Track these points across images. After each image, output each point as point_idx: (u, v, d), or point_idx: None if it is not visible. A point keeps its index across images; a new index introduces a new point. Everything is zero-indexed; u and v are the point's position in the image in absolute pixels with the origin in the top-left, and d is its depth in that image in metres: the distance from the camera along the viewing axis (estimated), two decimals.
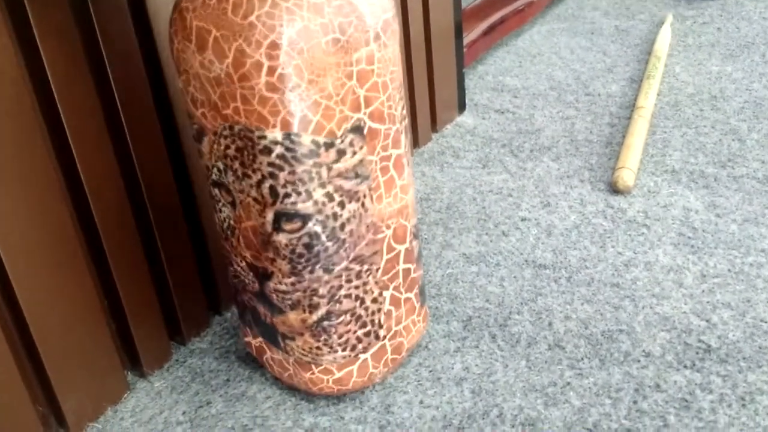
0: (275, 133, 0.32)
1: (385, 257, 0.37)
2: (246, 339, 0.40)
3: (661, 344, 0.41)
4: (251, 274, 0.36)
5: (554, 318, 0.43)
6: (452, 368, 0.41)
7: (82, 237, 0.38)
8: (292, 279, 0.35)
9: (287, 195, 0.33)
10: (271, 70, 0.30)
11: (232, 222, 0.36)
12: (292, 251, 0.34)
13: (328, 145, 0.33)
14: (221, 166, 0.34)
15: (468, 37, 0.70)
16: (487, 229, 0.52)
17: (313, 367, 0.38)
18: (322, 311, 0.36)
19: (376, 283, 0.37)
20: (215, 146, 0.34)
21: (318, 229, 0.34)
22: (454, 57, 0.64)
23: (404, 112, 0.36)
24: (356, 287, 0.37)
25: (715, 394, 0.38)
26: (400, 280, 0.38)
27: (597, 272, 0.46)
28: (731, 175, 0.54)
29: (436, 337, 0.43)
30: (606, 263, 0.47)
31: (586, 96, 0.67)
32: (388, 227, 0.36)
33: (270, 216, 0.34)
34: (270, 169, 0.33)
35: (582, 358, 0.40)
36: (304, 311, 0.36)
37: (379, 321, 0.38)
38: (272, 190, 0.33)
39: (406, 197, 0.37)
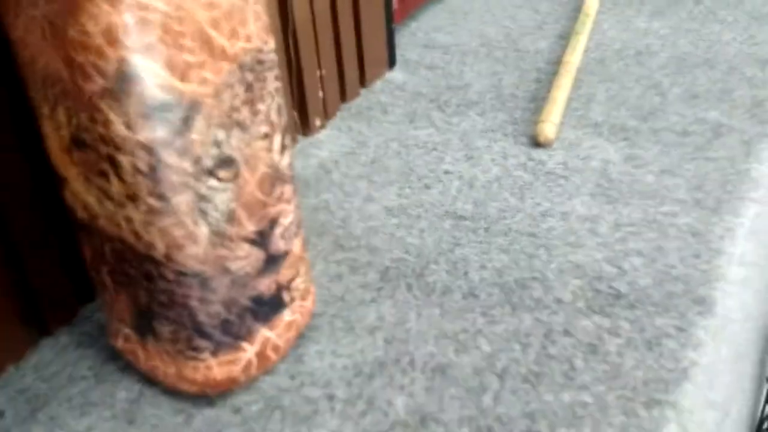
0: (272, 41, 0.31)
1: None
2: (240, 364, 0.38)
3: (573, 291, 0.41)
4: (256, 248, 0.36)
5: (470, 267, 0.43)
6: (366, 318, 0.41)
7: None
8: (295, 199, 0.36)
9: (282, 106, 0.35)
10: None
11: (231, 204, 0.34)
12: (290, 166, 0.35)
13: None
14: (222, 136, 0.32)
15: None
16: (410, 183, 0.51)
17: (311, 287, 0.39)
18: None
19: None
20: (216, 112, 0.32)
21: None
22: (384, 14, 0.63)
23: None
24: None
25: (623, 338, 0.38)
26: None
27: (515, 222, 0.47)
28: (651, 128, 0.55)
29: (353, 288, 0.43)
30: (524, 214, 0.47)
31: (515, 52, 0.67)
32: None
33: (278, 140, 0.33)
34: (276, 83, 0.32)
35: (494, 306, 0.41)
36: (300, 226, 0.37)
37: None
38: (278, 107, 0.33)
39: None
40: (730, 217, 0.46)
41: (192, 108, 0.31)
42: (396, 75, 0.65)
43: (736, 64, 0.62)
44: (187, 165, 0.32)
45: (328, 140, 0.56)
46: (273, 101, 0.33)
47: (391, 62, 0.66)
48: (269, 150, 0.34)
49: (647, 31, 0.68)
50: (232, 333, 0.35)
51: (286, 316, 0.37)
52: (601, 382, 0.36)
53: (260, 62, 0.32)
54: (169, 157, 0.31)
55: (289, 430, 0.35)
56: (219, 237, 0.33)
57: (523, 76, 0.63)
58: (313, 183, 0.52)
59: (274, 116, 0.33)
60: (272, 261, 0.36)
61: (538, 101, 0.59)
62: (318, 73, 0.56)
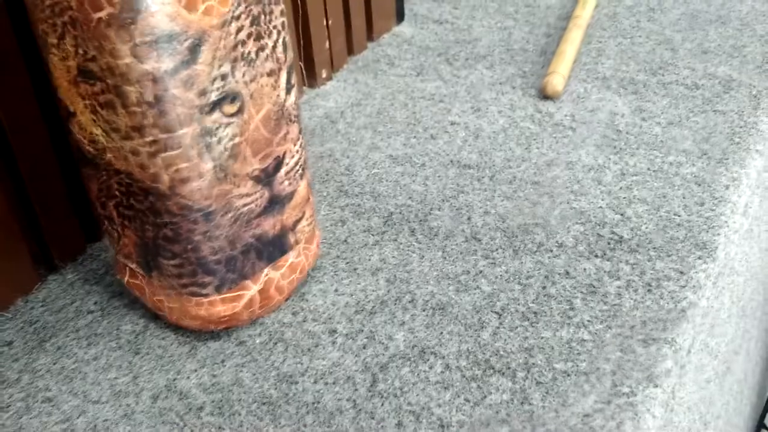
0: None
1: None
2: (242, 302, 0.38)
3: (575, 236, 0.41)
4: (260, 186, 0.36)
5: (473, 213, 0.44)
6: (369, 260, 0.41)
7: None
8: (301, 139, 0.36)
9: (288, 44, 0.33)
10: None
11: (236, 140, 0.34)
12: (296, 106, 0.35)
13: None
14: (227, 69, 0.32)
15: None
16: (416, 133, 0.51)
17: (316, 230, 0.39)
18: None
19: None
20: (222, 44, 0.31)
21: None
22: None
23: None
24: None
25: (623, 280, 0.38)
26: None
27: (519, 171, 0.47)
28: (660, 81, 0.54)
29: (356, 231, 0.43)
30: (529, 163, 0.47)
31: (525, 7, 0.67)
32: None
33: (284, 77, 0.33)
34: (282, 18, 0.32)
35: (496, 249, 0.41)
36: (306, 168, 0.37)
37: None
38: (284, 44, 0.33)
39: None
40: (736, 168, 0.45)
41: (199, 38, 0.31)
42: (404, 29, 0.65)
43: (748, 21, 0.62)
44: (192, 96, 0.32)
45: (335, 91, 0.57)
46: (279, 37, 0.33)
47: (400, 16, 0.66)
48: (275, 87, 0.34)
49: None
50: (236, 270, 0.36)
51: (291, 257, 0.38)
52: (599, 320, 0.36)
53: None
54: (175, 89, 0.31)
55: (291, 361, 0.35)
56: (223, 172, 0.34)
57: (533, 30, 0.63)
58: (319, 132, 0.52)
59: (280, 52, 0.33)
60: (277, 201, 0.36)
61: (548, 55, 0.59)
62: (325, 22, 0.56)
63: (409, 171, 0.48)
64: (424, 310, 0.37)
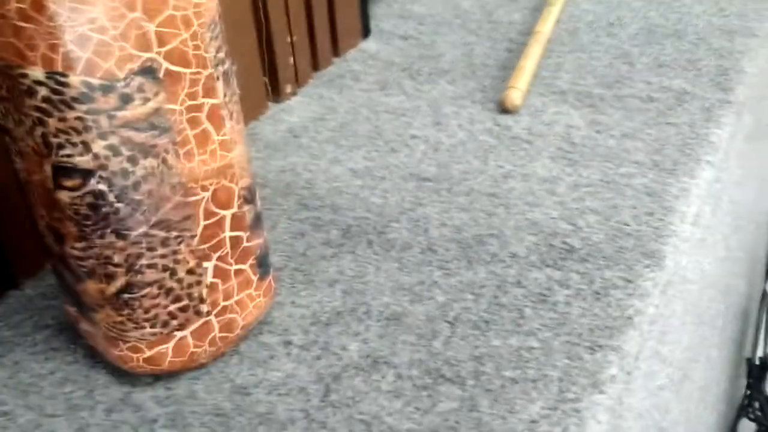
0: (36, 72, 0.27)
1: (202, 223, 0.32)
2: (65, 305, 0.36)
3: (527, 246, 0.42)
4: (51, 235, 0.32)
5: (430, 225, 0.44)
6: (327, 272, 0.42)
7: None
8: (83, 244, 0.31)
9: (61, 146, 0.29)
10: None
11: (24, 175, 0.31)
12: (76, 212, 0.30)
13: (107, 89, 0.28)
14: (2, 109, 0.30)
15: None
16: (377, 146, 0.52)
17: (120, 343, 0.34)
18: (120, 282, 0.32)
19: (192, 252, 0.33)
20: None
21: (103, 187, 0.30)
22: None
23: (223, 55, 0.32)
24: (162, 256, 0.32)
25: (572, 289, 0.39)
26: (228, 249, 0.34)
27: (476, 183, 0.48)
28: (616, 95, 0.56)
29: (315, 244, 0.44)
30: (486, 175, 0.48)
31: (488, 23, 0.68)
32: (204, 189, 0.32)
33: (48, 169, 0.29)
34: (38, 114, 0.28)
35: (451, 260, 0.42)
36: (101, 281, 0.32)
37: (200, 295, 0.34)
38: (44, 138, 0.29)
39: (229, 155, 0.32)
40: (686, 179, 0.47)
41: None
42: (370, 45, 0.66)
43: (704, 35, 0.63)
44: None
45: (299, 106, 0.57)
46: (36, 127, 0.29)
47: (365, 32, 0.67)
48: (41, 168, 0.30)
49: (619, 4, 0.69)
50: (58, 279, 0.35)
51: (90, 327, 0.35)
52: (548, 328, 0.37)
53: (12, 78, 0.28)
54: None
55: (246, 373, 0.36)
56: (23, 185, 0.33)
57: (495, 46, 0.64)
58: (282, 146, 0.53)
59: (39, 143, 0.30)
60: (68, 268, 0.33)
61: (509, 70, 0.60)
62: (289, 39, 0.57)
63: (369, 184, 0.48)
64: (378, 321, 0.38)
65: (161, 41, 0.29)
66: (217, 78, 0.31)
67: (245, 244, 0.35)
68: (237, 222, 0.34)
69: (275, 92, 0.58)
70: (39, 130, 0.28)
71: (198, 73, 0.30)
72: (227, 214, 0.33)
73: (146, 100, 0.29)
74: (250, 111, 0.55)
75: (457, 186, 0.48)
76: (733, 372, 0.86)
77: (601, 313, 0.38)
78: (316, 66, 0.62)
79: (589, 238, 0.42)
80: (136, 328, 0.33)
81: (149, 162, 0.30)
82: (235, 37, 0.52)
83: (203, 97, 0.31)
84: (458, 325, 0.37)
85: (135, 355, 0.34)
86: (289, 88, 0.58)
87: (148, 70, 0.29)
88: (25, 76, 0.27)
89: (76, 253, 0.31)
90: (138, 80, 0.28)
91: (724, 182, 0.54)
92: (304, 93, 0.59)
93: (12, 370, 0.37)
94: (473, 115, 0.55)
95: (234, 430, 0.33)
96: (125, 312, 0.33)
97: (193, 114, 0.31)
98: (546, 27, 0.63)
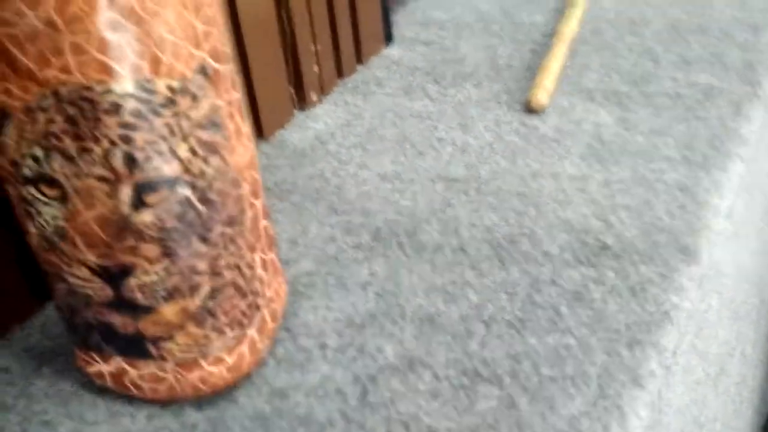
0: (125, 84, 0.27)
1: (249, 215, 0.33)
2: (91, 369, 0.34)
3: (560, 244, 0.42)
4: (99, 279, 0.31)
5: (461, 226, 0.44)
6: (358, 275, 0.42)
7: None
8: (164, 263, 0.30)
9: (148, 159, 0.28)
10: (112, 2, 0.25)
11: (62, 223, 0.29)
12: (161, 228, 0.29)
13: (183, 91, 0.28)
14: (40, 154, 0.28)
15: None
16: (404, 150, 0.52)
17: (202, 362, 0.33)
18: (205, 290, 0.31)
19: (247, 245, 0.33)
20: (29, 128, 0.28)
21: (188, 192, 0.29)
22: None
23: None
24: (232, 254, 0.32)
25: (607, 285, 0.39)
26: (264, 238, 0.34)
27: (505, 183, 0.47)
28: (643, 92, 0.55)
29: (345, 248, 0.44)
30: (514, 175, 0.48)
31: (510, 25, 0.68)
32: (245, 180, 0.32)
33: (126, 192, 0.29)
34: (121, 131, 0.27)
35: (483, 260, 0.42)
36: (185, 296, 0.31)
37: (257, 288, 0.34)
38: (127, 157, 0.28)
39: (251, 147, 0.33)
40: (718, 172, 0.46)
41: (2, 114, 0.28)
42: (392, 51, 0.66)
43: (728, 29, 0.63)
44: (5, 162, 0.30)
45: (325, 113, 0.58)
46: (116, 148, 0.28)
47: (388, 39, 0.67)
48: (111, 196, 0.29)
49: (641, 1, 0.69)
50: (84, 339, 0.34)
51: (154, 368, 0.34)
52: (584, 326, 0.37)
53: (88, 100, 0.27)
54: None
55: (284, 375, 0.36)
56: (49, 244, 0.31)
57: (519, 47, 0.64)
58: (309, 153, 0.53)
59: (118, 164, 0.29)
60: (128, 305, 0.32)
61: (533, 71, 0.60)
62: (313, 48, 0.57)
63: (398, 187, 0.49)
64: (412, 322, 0.38)
65: (206, 38, 0.29)
66: (234, 72, 0.31)
67: (269, 232, 0.35)
68: (265, 211, 0.34)
69: (301, 100, 0.58)
70: (120, 150, 0.28)
71: (228, 68, 0.31)
72: (259, 203, 0.34)
73: (205, 98, 0.29)
74: (277, 119, 0.56)
75: (486, 186, 0.47)
76: (766, 368, 0.85)
77: (637, 308, 0.37)
78: (340, 73, 0.62)
79: (622, 235, 0.42)
80: (219, 336, 0.33)
81: (215, 160, 0.30)
82: (260, 47, 0.53)
83: (233, 90, 0.31)
84: (493, 325, 0.37)
85: (217, 369, 0.33)
86: (314, 96, 0.59)
87: (202, 69, 0.29)
88: (108, 92, 0.27)
89: (151, 279, 0.30)
90: (198, 79, 0.29)
91: (756, 175, 0.53)
92: (330, 100, 0.59)
93: (52, 379, 0.38)
94: (499, 117, 0.55)
95: None
96: (209, 323, 0.32)
97: (230, 108, 0.31)
98: (569, 27, 0.63)
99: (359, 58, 0.64)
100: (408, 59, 0.64)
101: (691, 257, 0.40)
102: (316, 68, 0.58)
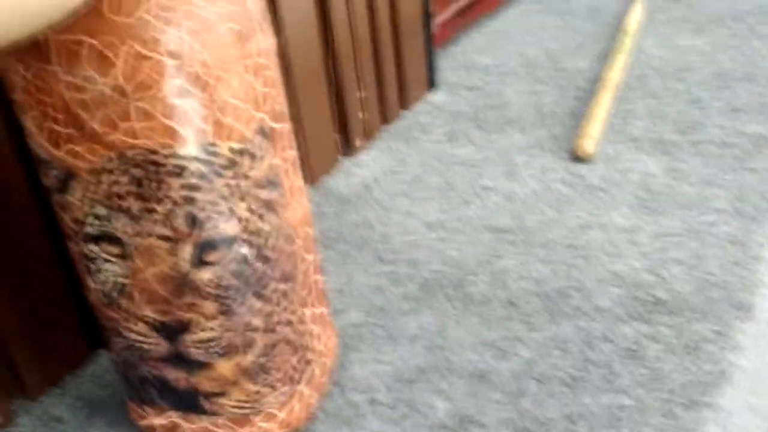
0: (189, 148, 0.27)
1: (301, 270, 0.33)
2: (144, 422, 0.35)
3: (612, 299, 0.41)
4: (156, 335, 0.31)
5: (509, 278, 0.44)
6: (406, 327, 0.42)
7: None
8: (221, 320, 0.31)
9: (209, 218, 0.29)
10: (179, 69, 0.26)
11: (122, 279, 0.30)
12: (219, 285, 0.30)
13: (243, 152, 0.29)
14: (104, 213, 0.29)
15: (440, 18, 0.71)
16: (450, 198, 0.52)
17: (254, 418, 0.33)
18: (259, 346, 0.32)
19: (299, 300, 0.33)
20: (93, 188, 0.29)
21: (245, 250, 0.30)
22: (423, 38, 0.65)
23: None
24: (285, 309, 0.32)
25: (662, 343, 0.38)
26: (314, 294, 0.34)
27: (553, 234, 0.47)
28: (691, 141, 0.55)
29: (393, 299, 0.44)
30: (562, 226, 0.48)
31: (555, 72, 0.68)
32: (299, 236, 0.33)
33: (187, 251, 0.29)
34: (185, 192, 0.28)
35: (533, 314, 0.41)
36: (238, 353, 0.32)
37: (307, 343, 0.34)
38: (189, 217, 0.29)
39: (304, 202, 0.33)
40: None
41: (68, 174, 0.29)
42: (437, 97, 0.66)
43: None
44: (68, 220, 0.31)
45: (370, 159, 0.58)
46: (178, 209, 0.29)
47: (432, 84, 0.67)
48: (172, 254, 0.30)
49: (688, 49, 0.69)
50: (136, 390, 0.34)
51: (207, 423, 0.34)
52: (640, 385, 0.36)
53: (153, 163, 0.29)
54: (56, 205, 0.31)
55: (334, 431, 0.36)
56: (109, 300, 0.32)
57: (563, 93, 0.64)
58: (354, 200, 0.53)
59: (180, 224, 0.30)
60: (184, 360, 0.33)
61: (578, 118, 0.60)
62: (359, 95, 0.58)
63: (444, 236, 0.48)
64: (463, 378, 0.38)
65: (265, 100, 0.30)
66: (290, 130, 0.32)
67: (321, 286, 0.36)
68: (316, 266, 0.35)
69: (346, 146, 0.59)
70: (182, 210, 0.28)
71: (284, 127, 0.32)
72: (311, 258, 0.34)
73: (264, 158, 0.30)
74: (323, 166, 0.56)
75: (534, 237, 0.47)
76: None
77: (693, 367, 0.37)
78: (385, 119, 0.63)
79: (675, 290, 0.41)
80: (271, 391, 0.33)
81: (272, 217, 0.30)
82: (307, 95, 0.53)
83: (289, 149, 0.32)
84: (546, 383, 0.37)
85: (268, 425, 0.33)
86: (359, 142, 0.59)
87: (261, 129, 0.30)
88: (173, 155, 0.27)
89: (207, 335, 0.31)
90: (258, 139, 0.29)
91: None
92: (374, 146, 0.60)
93: (104, 430, 0.38)
94: (545, 165, 0.54)
95: None
96: (261, 378, 0.32)
97: (287, 166, 0.31)
98: (614, 74, 0.63)
99: (404, 104, 0.65)
100: (451, 105, 0.65)
101: (746, 314, 0.39)
102: (361, 114, 0.59)
